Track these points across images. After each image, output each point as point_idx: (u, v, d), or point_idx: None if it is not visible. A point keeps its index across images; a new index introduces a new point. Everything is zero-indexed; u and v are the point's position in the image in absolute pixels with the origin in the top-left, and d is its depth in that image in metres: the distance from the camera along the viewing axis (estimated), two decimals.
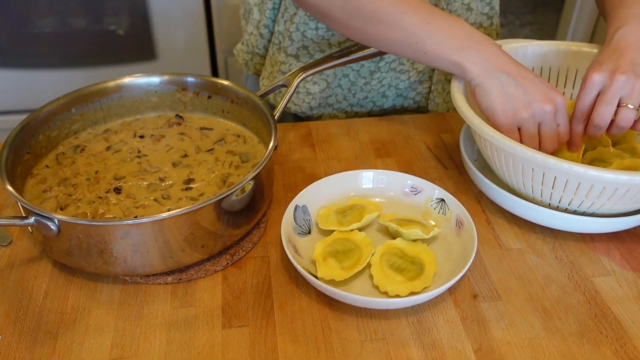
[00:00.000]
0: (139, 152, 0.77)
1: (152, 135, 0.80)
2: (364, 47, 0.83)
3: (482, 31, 0.96)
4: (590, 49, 0.84)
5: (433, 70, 0.99)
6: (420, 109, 1.04)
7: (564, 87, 0.86)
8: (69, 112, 0.77)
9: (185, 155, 0.76)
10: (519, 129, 0.70)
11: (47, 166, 0.74)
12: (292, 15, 0.93)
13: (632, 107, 0.66)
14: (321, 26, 0.93)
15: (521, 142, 0.69)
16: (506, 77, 0.68)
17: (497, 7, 0.98)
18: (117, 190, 0.70)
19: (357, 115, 1.03)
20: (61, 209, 0.68)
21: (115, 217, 0.67)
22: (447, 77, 1.00)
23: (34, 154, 0.73)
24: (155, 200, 0.69)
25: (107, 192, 0.70)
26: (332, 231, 0.69)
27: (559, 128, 0.70)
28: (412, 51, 0.72)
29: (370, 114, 1.03)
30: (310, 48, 0.95)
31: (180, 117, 0.83)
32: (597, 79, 0.67)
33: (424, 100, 1.03)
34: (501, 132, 0.68)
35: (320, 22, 0.93)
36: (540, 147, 0.71)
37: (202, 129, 0.81)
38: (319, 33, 0.94)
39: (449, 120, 0.95)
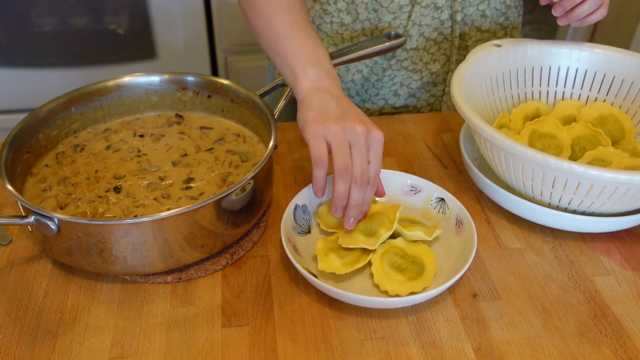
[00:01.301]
0: (139, 151, 0.77)
1: (152, 134, 0.80)
2: (370, 45, 0.84)
3: (494, 39, 0.97)
4: (591, 49, 0.84)
5: (447, 72, 0.99)
6: (433, 111, 1.04)
7: (564, 86, 0.86)
8: (69, 111, 0.77)
9: (185, 155, 0.76)
10: (329, 148, 0.64)
11: (46, 165, 0.74)
12: (309, 8, 0.93)
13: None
14: (335, 20, 0.94)
15: (331, 156, 0.64)
16: (330, 97, 0.66)
17: (513, 19, 0.99)
18: (117, 190, 0.70)
19: (368, 112, 1.03)
20: (61, 208, 0.68)
21: (115, 216, 0.67)
22: None
23: (33, 153, 0.73)
24: (155, 199, 0.69)
25: (106, 191, 0.70)
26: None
27: (371, 165, 0.64)
28: (270, 49, 0.71)
29: (382, 112, 1.03)
30: (324, 41, 0.95)
31: (180, 116, 0.83)
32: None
33: (437, 102, 1.04)
34: (306, 137, 0.64)
35: (335, 17, 0.94)
36: (352, 171, 0.63)
37: (202, 128, 0.81)
38: (333, 27, 0.95)
39: (448, 119, 0.95)
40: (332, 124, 0.63)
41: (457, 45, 0.97)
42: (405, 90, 1.00)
